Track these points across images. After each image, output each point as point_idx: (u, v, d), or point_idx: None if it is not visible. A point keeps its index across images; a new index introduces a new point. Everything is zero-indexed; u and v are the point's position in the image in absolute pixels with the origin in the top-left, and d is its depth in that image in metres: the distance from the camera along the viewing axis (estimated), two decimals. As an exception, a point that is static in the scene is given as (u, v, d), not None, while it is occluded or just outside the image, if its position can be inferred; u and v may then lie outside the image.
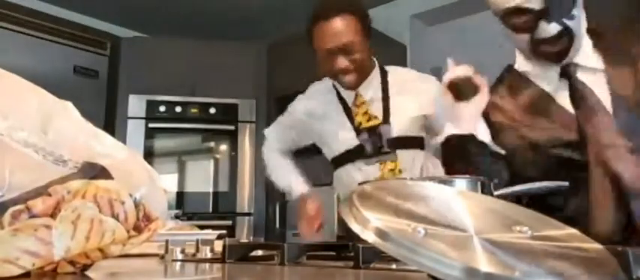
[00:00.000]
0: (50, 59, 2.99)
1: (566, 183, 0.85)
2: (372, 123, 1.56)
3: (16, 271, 0.51)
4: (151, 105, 3.16)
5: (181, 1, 3.49)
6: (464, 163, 1.05)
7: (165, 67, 3.21)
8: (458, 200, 0.52)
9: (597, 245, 0.47)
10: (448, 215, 0.47)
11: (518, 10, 1.05)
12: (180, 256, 0.87)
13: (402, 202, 0.48)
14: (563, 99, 1.09)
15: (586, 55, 1.09)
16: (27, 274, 0.52)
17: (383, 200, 0.49)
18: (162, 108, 3.17)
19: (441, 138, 1.10)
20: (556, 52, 1.06)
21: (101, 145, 0.69)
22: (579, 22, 1.05)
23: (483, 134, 1.09)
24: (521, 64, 1.17)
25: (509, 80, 1.20)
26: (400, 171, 1.51)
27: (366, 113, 1.58)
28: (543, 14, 1.02)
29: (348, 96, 1.62)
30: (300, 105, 1.80)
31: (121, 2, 3.50)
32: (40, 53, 2.95)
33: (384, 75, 1.63)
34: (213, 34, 3.67)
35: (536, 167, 1.09)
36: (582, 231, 0.50)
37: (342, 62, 1.50)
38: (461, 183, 0.74)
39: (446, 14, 3.46)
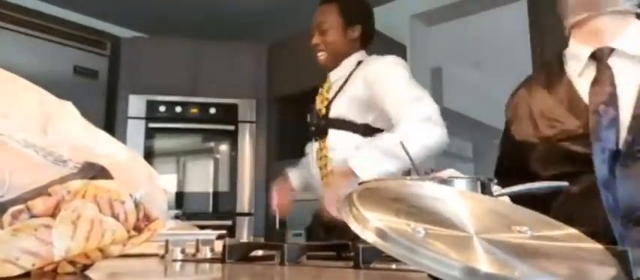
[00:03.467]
0: (50, 59, 2.98)
1: (567, 184, 0.85)
2: (322, 104, 1.73)
3: (16, 271, 0.51)
4: (151, 106, 3.16)
5: (181, 1, 3.48)
6: None
7: (165, 67, 3.21)
8: (458, 200, 0.52)
9: (597, 246, 0.47)
10: (448, 215, 0.47)
11: None
12: (180, 256, 0.87)
13: (402, 202, 0.48)
14: (586, 84, 1.06)
15: (629, 40, 1.04)
16: (27, 274, 0.52)
17: (383, 200, 0.49)
18: (162, 109, 3.17)
19: None
20: None
21: (101, 145, 0.69)
22: None
23: None
24: (571, 46, 1.16)
25: (549, 68, 1.18)
26: (326, 148, 1.65)
27: (321, 94, 1.77)
28: None
29: None
30: None
31: (121, 2, 3.50)
32: (40, 53, 2.94)
33: (360, 63, 1.72)
34: (213, 34, 3.67)
35: (541, 162, 1.08)
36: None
37: (315, 38, 1.75)
38: (461, 183, 0.74)
39: (446, 14, 3.45)
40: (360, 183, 0.62)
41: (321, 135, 1.68)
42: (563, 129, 1.05)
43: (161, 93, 3.18)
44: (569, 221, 0.53)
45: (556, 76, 1.14)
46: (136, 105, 3.14)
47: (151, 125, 3.15)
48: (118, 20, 3.71)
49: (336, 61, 1.75)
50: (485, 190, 0.75)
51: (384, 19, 3.35)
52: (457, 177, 0.74)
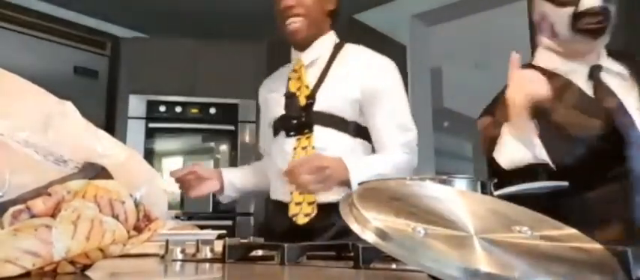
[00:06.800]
0: (50, 59, 2.98)
1: (566, 183, 0.85)
2: (300, 91, 1.45)
3: (17, 271, 0.51)
4: (151, 105, 3.16)
5: (181, 1, 3.48)
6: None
7: (165, 67, 3.21)
8: (458, 200, 0.52)
9: (597, 245, 0.47)
10: (448, 215, 0.47)
11: None
12: (180, 256, 0.87)
13: (402, 202, 0.49)
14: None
15: (611, 59, 1.17)
16: (27, 274, 0.52)
17: (383, 200, 0.49)
18: (162, 108, 3.17)
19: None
20: (595, 28, 1.15)
21: (101, 145, 0.69)
22: (614, 11, 1.14)
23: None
24: (548, 61, 1.23)
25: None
26: (314, 148, 1.39)
27: (299, 79, 1.48)
28: None
29: (293, 61, 1.53)
30: (260, 92, 1.67)
31: (121, 2, 3.50)
32: (40, 53, 2.95)
33: (338, 47, 1.52)
34: (213, 34, 3.67)
35: (570, 156, 1.12)
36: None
37: (290, 0, 1.42)
38: (461, 183, 0.74)
39: (446, 14, 3.46)
40: (359, 184, 0.62)
41: (302, 130, 1.42)
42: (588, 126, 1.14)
43: (161, 93, 3.18)
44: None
45: (561, 83, 1.19)
46: (136, 105, 3.14)
47: (151, 125, 3.15)
48: (118, 20, 3.71)
49: (310, 34, 1.47)
50: (485, 190, 0.75)
51: (384, 19, 3.36)
52: (457, 177, 0.74)
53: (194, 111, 3.21)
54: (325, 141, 1.41)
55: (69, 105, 0.71)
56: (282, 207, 1.43)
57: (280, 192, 1.46)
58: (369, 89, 1.42)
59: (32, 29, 2.95)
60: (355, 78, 1.43)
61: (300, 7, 1.43)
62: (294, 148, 1.42)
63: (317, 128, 1.41)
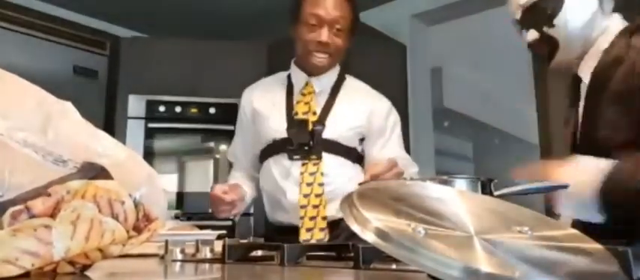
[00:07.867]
0: (50, 59, 2.98)
1: (568, 183, 0.85)
2: (307, 116, 1.49)
3: (16, 271, 0.51)
4: (151, 106, 3.16)
5: (181, 1, 3.48)
6: None
7: (165, 67, 3.21)
8: (458, 200, 0.52)
9: (597, 245, 0.47)
10: (448, 215, 0.47)
11: (514, 21, 1.16)
12: (179, 256, 0.87)
13: (402, 202, 0.48)
14: None
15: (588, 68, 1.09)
16: (26, 274, 0.52)
17: (383, 200, 0.49)
18: (162, 108, 3.17)
19: None
20: (542, 55, 1.14)
21: (101, 145, 0.69)
22: (566, 28, 1.07)
23: None
24: None
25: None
26: (322, 175, 1.44)
27: (307, 104, 1.51)
28: (521, 23, 1.13)
29: (299, 82, 1.56)
30: (244, 100, 1.73)
31: (121, 2, 3.50)
32: (40, 53, 2.94)
33: (341, 78, 1.60)
34: (213, 34, 3.67)
35: None
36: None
37: (326, 35, 1.46)
38: (461, 183, 0.74)
39: (446, 14, 3.45)
40: (360, 184, 0.62)
41: (309, 156, 1.44)
42: None
43: (161, 93, 3.17)
44: None
45: None
46: (136, 105, 3.14)
47: (151, 125, 3.15)
48: (118, 20, 3.71)
49: (329, 67, 1.55)
50: (486, 190, 0.75)
51: (384, 19, 3.36)
52: (458, 177, 0.74)
53: (194, 111, 3.21)
54: (332, 167, 1.46)
55: (68, 105, 0.71)
56: (289, 230, 1.45)
57: (286, 215, 1.50)
58: (377, 124, 1.53)
59: (32, 29, 2.94)
60: (363, 112, 1.52)
61: (332, 46, 1.48)
62: (302, 173, 1.44)
63: (325, 155, 1.45)
